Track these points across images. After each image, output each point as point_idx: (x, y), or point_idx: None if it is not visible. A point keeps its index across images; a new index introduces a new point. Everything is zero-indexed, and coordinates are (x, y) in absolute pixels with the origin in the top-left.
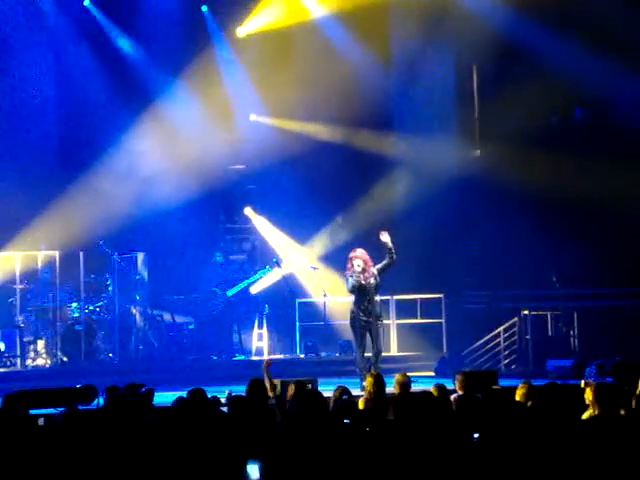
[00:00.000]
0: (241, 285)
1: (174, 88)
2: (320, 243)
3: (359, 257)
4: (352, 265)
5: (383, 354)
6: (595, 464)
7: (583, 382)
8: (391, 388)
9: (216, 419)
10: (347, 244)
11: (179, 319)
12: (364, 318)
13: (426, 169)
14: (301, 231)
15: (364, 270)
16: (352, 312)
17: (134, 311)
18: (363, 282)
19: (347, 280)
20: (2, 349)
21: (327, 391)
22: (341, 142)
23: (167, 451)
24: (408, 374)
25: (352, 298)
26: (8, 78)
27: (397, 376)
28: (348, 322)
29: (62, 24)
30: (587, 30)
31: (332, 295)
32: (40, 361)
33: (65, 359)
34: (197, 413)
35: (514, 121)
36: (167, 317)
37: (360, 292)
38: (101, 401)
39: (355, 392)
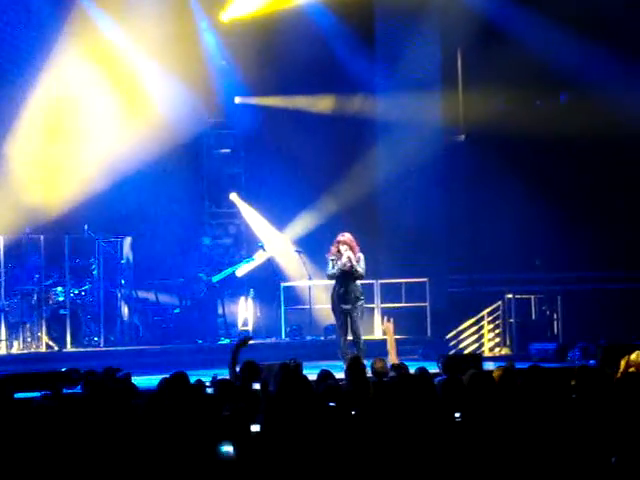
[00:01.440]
0: (226, 272)
1: (157, 71)
2: (302, 225)
3: (347, 242)
4: (337, 250)
5: (364, 338)
6: (578, 444)
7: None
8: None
9: (199, 402)
10: (329, 226)
11: (163, 298)
12: (342, 305)
13: (410, 153)
14: (285, 215)
15: (342, 254)
16: (332, 297)
17: (119, 295)
18: (341, 268)
19: (327, 263)
20: None
21: (312, 374)
22: (325, 119)
23: (149, 434)
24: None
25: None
26: None
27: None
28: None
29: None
30: (572, 13)
31: (317, 279)
32: (25, 345)
33: (51, 343)
34: (179, 396)
35: (499, 105)
36: (150, 296)
37: (338, 278)
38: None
39: (339, 376)
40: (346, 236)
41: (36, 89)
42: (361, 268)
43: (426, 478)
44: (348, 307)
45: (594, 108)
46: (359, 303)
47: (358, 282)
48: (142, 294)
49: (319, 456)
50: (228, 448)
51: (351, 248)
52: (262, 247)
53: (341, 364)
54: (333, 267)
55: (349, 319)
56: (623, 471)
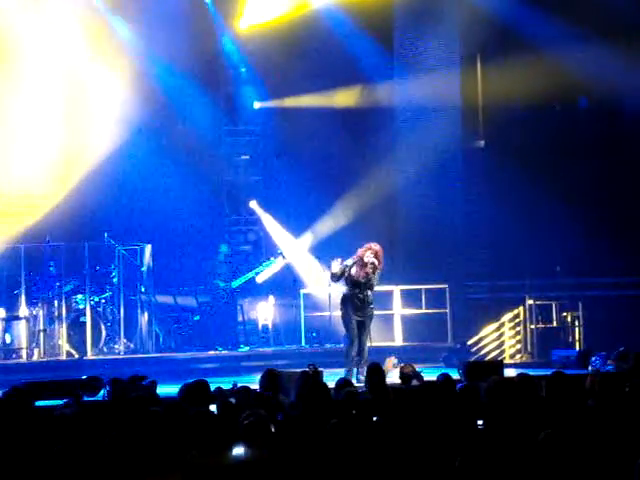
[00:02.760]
0: (246, 276)
1: (178, 79)
2: (321, 231)
3: (377, 253)
4: (363, 254)
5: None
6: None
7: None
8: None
9: (220, 409)
10: (347, 232)
11: (182, 301)
12: (358, 313)
13: (429, 159)
14: (303, 222)
15: (366, 265)
16: (346, 305)
17: (139, 302)
18: (357, 278)
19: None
20: (8, 341)
21: (331, 382)
22: (343, 123)
23: (170, 440)
24: (414, 365)
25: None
26: None
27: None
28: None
29: None
30: (591, 17)
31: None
32: (45, 353)
33: (71, 351)
34: (200, 404)
35: (518, 110)
36: (169, 300)
37: (355, 286)
38: (105, 393)
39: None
40: (376, 247)
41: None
42: (376, 281)
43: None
44: (363, 317)
45: (613, 113)
46: (371, 313)
47: (370, 293)
48: (161, 298)
49: (338, 464)
50: (239, 450)
51: (377, 259)
52: (281, 254)
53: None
54: (342, 270)
55: (362, 328)
56: None
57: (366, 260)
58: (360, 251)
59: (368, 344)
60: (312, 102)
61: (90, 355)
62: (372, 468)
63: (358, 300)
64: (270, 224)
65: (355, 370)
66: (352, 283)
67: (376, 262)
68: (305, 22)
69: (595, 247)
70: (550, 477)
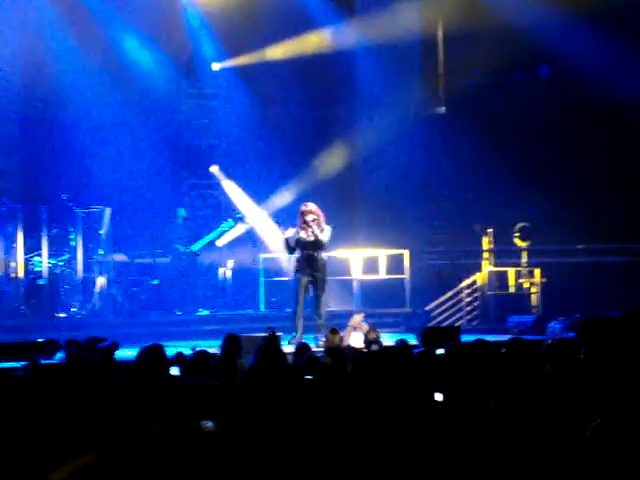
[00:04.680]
0: (205, 239)
1: (137, 42)
2: (281, 198)
3: (312, 212)
4: (303, 221)
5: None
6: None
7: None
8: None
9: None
10: (308, 199)
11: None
12: (305, 274)
13: (389, 124)
14: (264, 188)
15: (309, 225)
16: (295, 266)
17: (97, 266)
18: (305, 239)
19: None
20: None
21: (290, 347)
22: (305, 88)
23: (127, 406)
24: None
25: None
26: None
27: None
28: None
29: None
30: None
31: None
32: (2, 315)
33: (29, 313)
34: (156, 368)
35: (479, 78)
36: (124, 259)
37: (303, 247)
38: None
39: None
40: (309, 206)
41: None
42: (325, 237)
43: (403, 453)
44: (314, 278)
45: (574, 81)
46: (322, 274)
47: (324, 254)
48: (118, 257)
49: (295, 429)
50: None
51: (317, 217)
52: (241, 219)
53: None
54: (294, 240)
55: (314, 289)
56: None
57: (307, 219)
58: (299, 220)
59: (326, 309)
60: (270, 55)
61: (47, 318)
62: (328, 433)
63: (307, 260)
64: (231, 189)
65: (314, 333)
66: (302, 245)
67: (315, 216)
68: None
69: (554, 214)
70: (502, 443)
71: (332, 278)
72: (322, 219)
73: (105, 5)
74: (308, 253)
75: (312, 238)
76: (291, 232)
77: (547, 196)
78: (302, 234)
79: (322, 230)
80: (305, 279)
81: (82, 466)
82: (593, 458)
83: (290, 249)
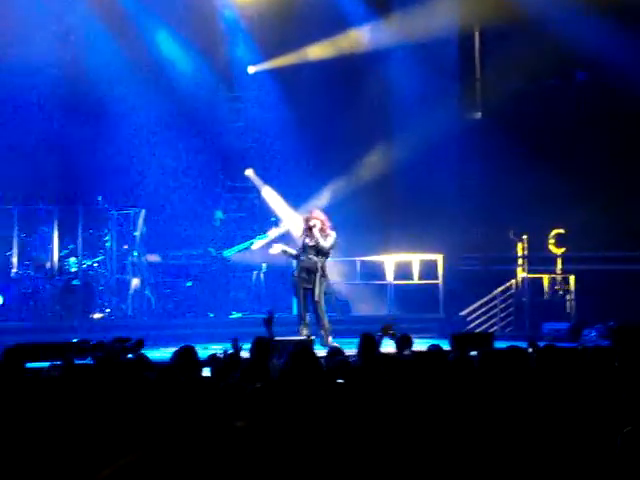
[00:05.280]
0: (239, 247)
1: (175, 45)
2: (318, 202)
3: (315, 218)
4: (308, 227)
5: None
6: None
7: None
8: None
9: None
10: (344, 204)
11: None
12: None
13: (426, 131)
14: (300, 191)
15: (310, 230)
16: (293, 273)
17: (131, 267)
18: (308, 244)
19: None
20: (0, 302)
21: (323, 350)
22: (343, 91)
23: (160, 407)
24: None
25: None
26: None
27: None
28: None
29: None
30: None
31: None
32: (37, 315)
33: (64, 314)
34: (188, 370)
35: (515, 83)
36: (156, 259)
37: (303, 252)
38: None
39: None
40: (314, 212)
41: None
42: (326, 243)
43: (433, 455)
44: (309, 285)
45: (611, 87)
46: (321, 280)
47: (322, 259)
48: (151, 257)
49: (326, 433)
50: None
51: (322, 224)
52: (275, 223)
53: (353, 339)
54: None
55: (309, 296)
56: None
57: (311, 224)
58: (303, 226)
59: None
60: (306, 56)
61: (82, 318)
62: (359, 437)
63: (305, 266)
64: (266, 192)
65: (321, 337)
66: (304, 250)
67: (318, 222)
68: None
69: (589, 221)
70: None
71: (366, 282)
72: (326, 225)
73: (142, 7)
74: (307, 258)
75: (312, 243)
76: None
77: (583, 202)
78: (306, 240)
79: (326, 237)
80: (301, 284)
81: (123, 466)
82: (624, 465)
83: (292, 256)
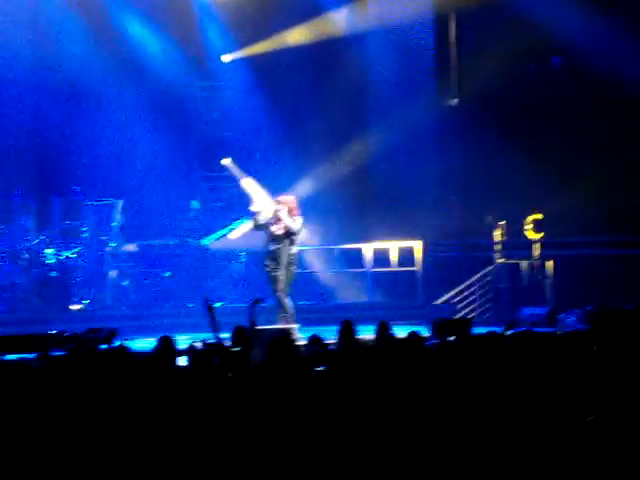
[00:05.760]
0: (217, 235)
1: (149, 34)
2: (296, 191)
3: (284, 203)
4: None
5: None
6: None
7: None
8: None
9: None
10: (323, 191)
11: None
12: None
13: (403, 116)
14: (278, 178)
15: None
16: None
17: (108, 258)
18: (275, 232)
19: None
20: None
21: (304, 339)
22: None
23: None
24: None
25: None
26: None
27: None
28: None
29: None
30: None
31: (308, 243)
32: (15, 307)
33: (40, 306)
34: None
35: (491, 69)
36: (133, 248)
37: (272, 240)
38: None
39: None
40: (281, 198)
41: None
42: (295, 225)
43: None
44: (277, 272)
45: (586, 72)
46: (287, 266)
47: (294, 248)
48: (128, 247)
49: (306, 421)
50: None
51: (289, 210)
52: (253, 212)
53: (333, 328)
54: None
55: (278, 281)
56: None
57: (279, 209)
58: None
59: (287, 300)
60: (281, 42)
61: (59, 310)
62: (339, 425)
63: (272, 253)
64: (244, 181)
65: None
66: (270, 237)
67: (284, 207)
68: None
69: (567, 206)
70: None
71: (345, 270)
72: (293, 207)
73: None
74: (276, 247)
75: (280, 232)
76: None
77: (560, 187)
78: (272, 228)
79: (293, 220)
80: (270, 272)
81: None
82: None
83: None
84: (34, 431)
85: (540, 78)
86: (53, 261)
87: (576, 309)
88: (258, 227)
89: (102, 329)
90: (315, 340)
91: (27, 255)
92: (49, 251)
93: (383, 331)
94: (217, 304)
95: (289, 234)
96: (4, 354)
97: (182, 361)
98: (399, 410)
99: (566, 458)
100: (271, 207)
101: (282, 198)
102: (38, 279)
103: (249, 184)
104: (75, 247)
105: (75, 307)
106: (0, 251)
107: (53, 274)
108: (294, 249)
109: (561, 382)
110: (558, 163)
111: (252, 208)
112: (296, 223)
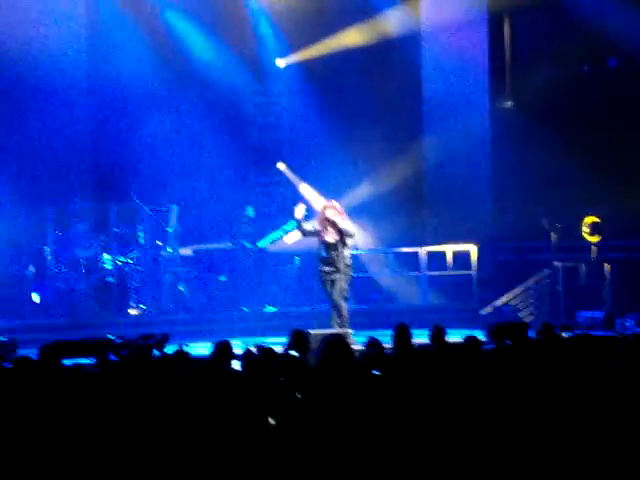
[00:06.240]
0: (271, 237)
1: (204, 41)
2: (352, 196)
3: (329, 207)
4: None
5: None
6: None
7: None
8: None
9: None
10: (378, 197)
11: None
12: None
13: (457, 119)
14: (332, 184)
15: (330, 223)
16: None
17: (165, 263)
18: (328, 241)
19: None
20: (36, 300)
21: (359, 344)
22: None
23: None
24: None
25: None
26: None
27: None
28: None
29: None
30: None
31: (362, 247)
32: (74, 312)
33: (99, 310)
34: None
35: (546, 71)
36: (188, 252)
37: (327, 247)
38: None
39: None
40: (326, 204)
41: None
42: (348, 226)
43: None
44: (334, 277)
45: None
46: (344, 271)
47: (348, 252)
48: (183, 251)
49: (361, 424)
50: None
51: (338, 214)
52: (308, 216)
53: (388, 332)
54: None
55: (335, 286)
56: None
57: (327, 215)
58: (320, 216)
59: (344, 304)
60: (334, 46)
61: (117, 315)
62: (396, 429)
63: (327, 260)
64: (300, 186)
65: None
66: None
67: (331, 210)
68: None
69: (625, 208)
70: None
71: (401, 274)
72: (340, 209)
73: (170, 4)
74: (329, 253)
75: (331, 240)
76: (300, 210)
77: (618, 189)
78: (324, 236)
79: (343, 220)
80: (326, 277)
81: None
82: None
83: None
84: (93, 435)
85: (596, 79)
86: (110, 266)
87: (634, 313)
88: (307, 234)
89: (154, 335)
90: (373, 343)
91: (85, 261)
92: (106, 257)
93: (438, 335)
94: (272, 308)
95: (344, 238)
96: (63, 359)
97: (236, 365)
98: (457, 415)
99: (630, 459)
100: (321, 214)
101: (327, 204)
102: (96, 284)
103: (306, 190)
104: (131, 252)
105: (133, 312)
106: (59, 257)
107: (110, 279)
108: (348, 253)
109: (621, 385)
110: (615, 165)
111: (297, 215)
112: (347, 223)
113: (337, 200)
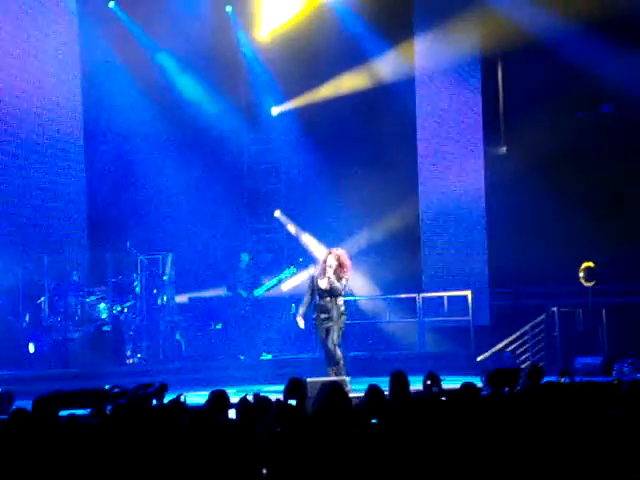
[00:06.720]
0: (268, 285)
1: (199, 88)
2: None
3: (335, 255)
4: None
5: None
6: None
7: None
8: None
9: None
10: (372, 247)
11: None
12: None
13: (452, 164)
14: (329, 231)
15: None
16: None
17: (161, 311)
18: (322, 288)
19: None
20: (32, 350)
21: (358, 391)
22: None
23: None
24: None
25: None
26: None
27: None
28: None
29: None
30: (612, 24)
31: (360, 293)
32: (70, 363)
33: (95, 360)
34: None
35: (540, 116)
36: (183, 299)
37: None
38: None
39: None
40: (333, 251)
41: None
42: (339, 285)
43: None
44: (329, 324)
45: (637, 120)
46: (338, 319)
47: (342, 300)
48: (180, 299)
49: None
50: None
51: (340, 265)
52: (304, 263)
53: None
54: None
55: (329, 334)
56: None
57: (328, 264)
58: (322, 259)
59: (338, 352)
60: (328, 93)
61: (113, 364)
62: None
63: (321, 307)
64: (294, 232)
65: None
66: (318, 290)
67: (334, 262)
68: (317, 22)
69: (620, 254)
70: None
71: (397, 321)
72: (344, 265)
73: (163, 50)
74: (324, 300)
75: (326, 287)
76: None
77: (612, 235)
78: (319, 282)
79: (340, 279)
80: (321, 324)
81: None
82: None
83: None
84: None
85: (590, 125)
86: (106, 315)
87: (631, 358)
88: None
89: (152, 384)
90: (373, 392)
91: (80, 311)
92: (102, 306)
93: (433, 383)
94: (268, 356)
95: (333, 290)
96: (59, 410)
97: (232, 414)
98: (455, 463)
99: None
100: (321, 259)
101: (334, 251)
102: (92, 334)
103: (308, 240)
104: (127, 301)
105: (129, 361)
106: (54, 307)
107: (106, 328)
108: (342, 300)
109: (619, 431)
110: (610, 209)
111: (314, 272)
112: (341, 283)
113: (332, 246)
